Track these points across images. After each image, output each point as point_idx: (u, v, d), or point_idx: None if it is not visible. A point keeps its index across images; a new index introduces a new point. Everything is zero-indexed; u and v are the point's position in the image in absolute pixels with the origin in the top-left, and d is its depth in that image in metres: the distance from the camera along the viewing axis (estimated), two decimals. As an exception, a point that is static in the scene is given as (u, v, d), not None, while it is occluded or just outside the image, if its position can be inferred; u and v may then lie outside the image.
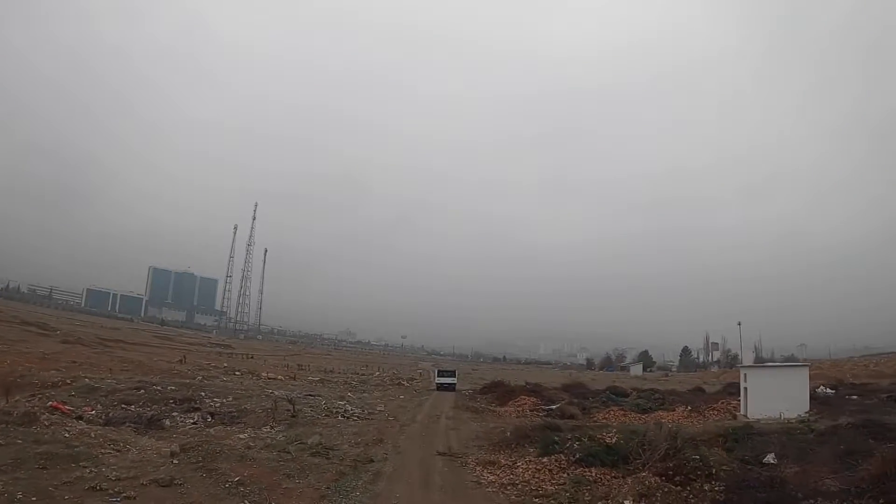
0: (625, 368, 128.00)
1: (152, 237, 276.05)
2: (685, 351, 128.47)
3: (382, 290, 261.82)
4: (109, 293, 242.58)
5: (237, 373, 40.74)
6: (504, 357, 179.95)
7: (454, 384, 44.90)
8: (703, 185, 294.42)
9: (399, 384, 47.67)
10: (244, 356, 74.30)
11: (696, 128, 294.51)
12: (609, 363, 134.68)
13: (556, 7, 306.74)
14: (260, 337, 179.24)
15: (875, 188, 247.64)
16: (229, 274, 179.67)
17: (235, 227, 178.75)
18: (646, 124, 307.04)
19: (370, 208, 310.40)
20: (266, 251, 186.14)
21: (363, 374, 59.35)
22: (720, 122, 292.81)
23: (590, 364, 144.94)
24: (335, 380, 46.11)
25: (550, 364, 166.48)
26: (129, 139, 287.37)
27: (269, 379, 37.71)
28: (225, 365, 48.26)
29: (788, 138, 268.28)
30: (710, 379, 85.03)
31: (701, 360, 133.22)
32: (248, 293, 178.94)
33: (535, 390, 34.22)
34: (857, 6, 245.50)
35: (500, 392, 34.08)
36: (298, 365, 63.94)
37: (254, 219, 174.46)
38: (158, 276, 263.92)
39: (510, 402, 31.47)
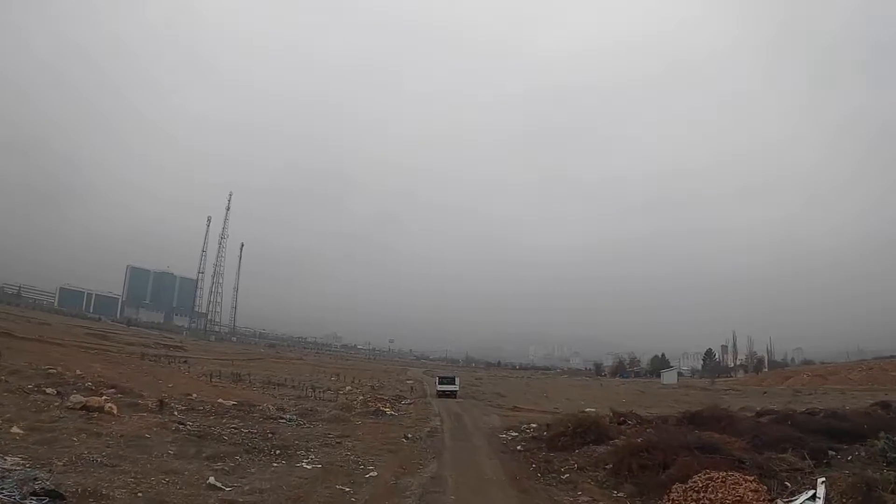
0: (640, 374, 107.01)
1: (134, 234, 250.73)
2: (709, 354, 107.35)
3: (370, 291, 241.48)
4: (84, 293, 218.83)
5: (41, 392, 18.79)
6: (499, 362, 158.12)
7: (456, 391, 41.30)
8: (702, 187, 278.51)
9: (377, 410, 25.70)
10: (171, 360, 52.12)
11: (696, 128, 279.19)
12: (622, 369, 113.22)
13: (555, 4, 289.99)
14: (235, 339, 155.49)
15: (875, 190, 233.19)
16: (201, 270, 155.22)
17: (209, 220, 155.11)
18: (645, 124, 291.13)
19: (360, 207, 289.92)
20: (242, 245, 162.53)
21: (329, 390, 37.56)
22: (720, 123, 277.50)
23: (599, 369, 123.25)
24: (262, 406, 24.20)
25: (552, 370, 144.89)
26: (115, 131, 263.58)
27: (86, 410, 15.72)
28: (79, 372, 26.23)
29: (788, 139, 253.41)
30: (783, 385, 64.58)
31: (721, 363, 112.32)
32: (220, 291, 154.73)
33: (707, 447, 12.66)
34: (859, 6, 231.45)
35: (620, 454, 12.50)
36: (235, 375, 41.75)
37: (227, 209, 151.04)
38: (136, 276, 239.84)
39: (677, 488, 10.44)
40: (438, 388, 41.50)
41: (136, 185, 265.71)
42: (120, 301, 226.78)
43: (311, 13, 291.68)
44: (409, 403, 31.95)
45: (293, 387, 38.24)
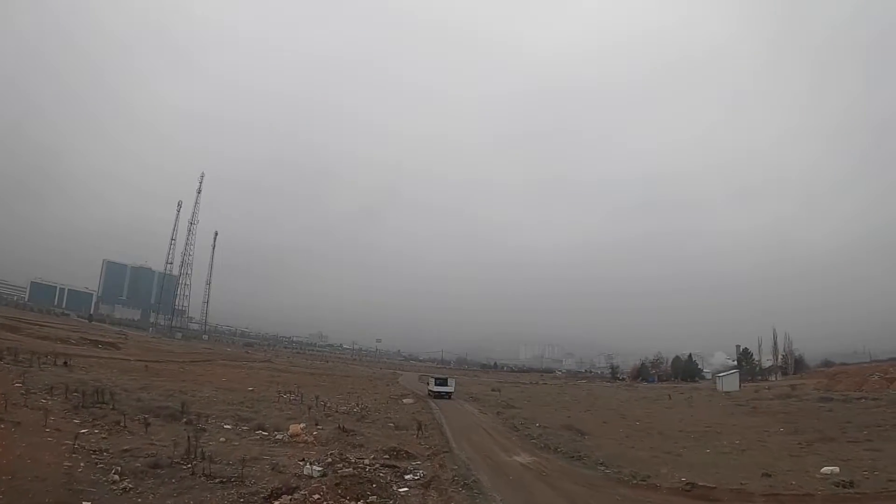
0: (664, 378, 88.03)
1: (113, 228, 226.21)
2: (745, 354, 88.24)
3: (357, 291, 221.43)
4: (56, 287, 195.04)
5: None
6: (495, 364, 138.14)
7: (451, 392, 40.41)
8: (699, 188, 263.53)
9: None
10: (47, 362, 31.80)
11: (691, 128, 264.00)
12: (644, 372, 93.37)
13: (552, 2, 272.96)
14: (206, 337, 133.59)
15: (872, 191, 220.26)
16: (169, 261, 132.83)
17: (179, 205, 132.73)
18: (641, 124, 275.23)
19: (347, 205, 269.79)
20: (216, 234, 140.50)
21: (257, 433, 17.94)
22: (718, 123, 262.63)
23: (615, 372, 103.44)
24: None
25: (555, 372, 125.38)
26: (96, 119, 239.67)
27: None
28: None
29: (786, 140, 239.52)
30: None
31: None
32: (189, 283, 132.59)
33: None
34: (857, 6, 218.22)
35: None
36: (95, 394, 21.53)
37: (198, 192, 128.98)
38: (113, 271, 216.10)
39: None
40: (434, 390, 40.17)
41: (117, 177, 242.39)
42: (94, 297, 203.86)
43: (298, 6, 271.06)
44: (426, 481, 12.24)
45: (188, 422, 18.22)
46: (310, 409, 21.20)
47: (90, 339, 61.64)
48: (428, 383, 43.05)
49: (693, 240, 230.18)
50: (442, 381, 41.45)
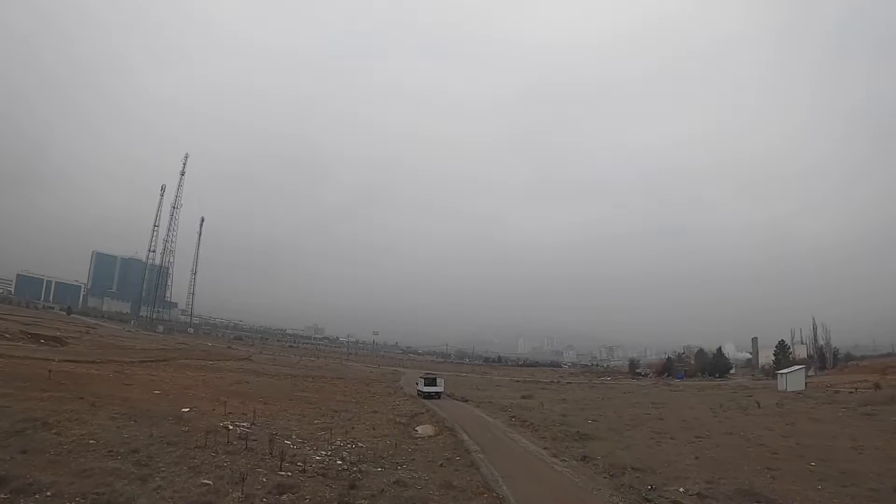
0: (693, 374, 77.43)
1: (104, 222, 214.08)
2: (782, 347, 76.98)
3: (354, 284, 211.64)
4: (43, 280, 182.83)
5: None
6: (499, 358, 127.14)
7: (441, 392, 39.60)
8: (697, 185, 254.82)
9: None
10: None
11: (694, 126, 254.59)
12: (670, 367, 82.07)
13: None
14: (191, 330, 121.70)
15: (876, 189, 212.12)
16: (152, 248, 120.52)
17: (162, 189, 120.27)
18: (640, 122, 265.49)
19: (345, 200, 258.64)
20: (202, 220, 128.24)
21: None
22: (720, 120, 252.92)
23: (633, 365, 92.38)
24: None
25: (564, 366, 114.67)
26: (87, 115, 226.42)
27: None
28: None
29: (789, 138, 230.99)
30: None
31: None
32: (171, 272, 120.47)
33: None
34: (862, 4, 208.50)
35: None
36: None
37: (182, 174, 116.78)
38: (102, 262, 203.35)
39: None
40: (424, 390, 39.20)
41: (112, 174, 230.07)
42: (83, 289, 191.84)
43: (298, 4, 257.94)
44: None
45: None
46: (248, 472, 9.96)
47: (31, 334, 50.19)
48: (417, 383, 42.13)
49: (693, 236, 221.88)
50: (431, 381, 40.87)
